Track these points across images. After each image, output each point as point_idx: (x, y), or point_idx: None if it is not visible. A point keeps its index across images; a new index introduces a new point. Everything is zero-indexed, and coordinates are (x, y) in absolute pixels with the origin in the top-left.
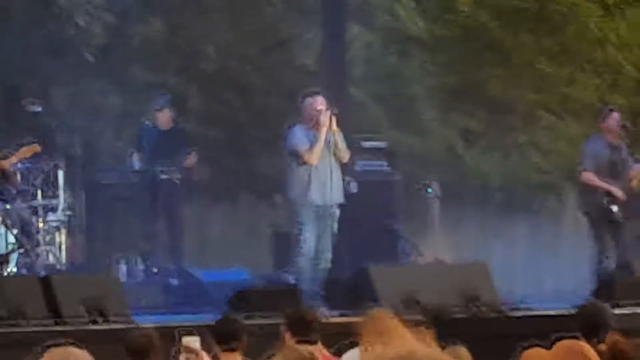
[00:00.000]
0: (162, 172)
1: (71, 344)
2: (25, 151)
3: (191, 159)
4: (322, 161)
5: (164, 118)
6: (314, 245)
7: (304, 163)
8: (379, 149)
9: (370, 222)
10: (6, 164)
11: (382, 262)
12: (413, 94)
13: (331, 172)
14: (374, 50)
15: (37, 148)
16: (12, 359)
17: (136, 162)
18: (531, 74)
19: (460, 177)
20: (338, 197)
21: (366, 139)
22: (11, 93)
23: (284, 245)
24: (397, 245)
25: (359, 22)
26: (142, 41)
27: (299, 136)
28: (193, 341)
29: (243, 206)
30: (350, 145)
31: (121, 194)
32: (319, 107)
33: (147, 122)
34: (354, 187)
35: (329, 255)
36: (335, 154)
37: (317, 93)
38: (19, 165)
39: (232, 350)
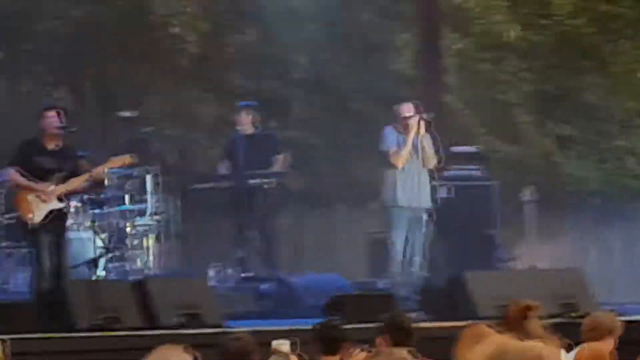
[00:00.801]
0: (253, 178)
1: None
2: (116, 161)
3: (280, 163)
4: (410, 165)
5: (243, 121)
6: (404, 250)
7: (391, 166)
8: (472, 154)
9: (465, 227)
10: (98, 172)
11: (478, 267)
12: (508, 100)
13: (419, 177)
14: (468, 57)
15: (128, 160)
16: None
17: (224, 168)
18: (629, 81)
19: (556, 184)
20: (425, 201)
21: (459, 145)
22: (106, 101)
23: (380, 251)
24: (493, 251)
25: (454, 28)
26: (237, 49)
27: (388, 138)
28: (282, 344)
29: (339, 213)
30: (443, 151)
31: (213, 200)
32: (406, 114)
33: (241, 128)
34: (443, 192)
35: (419, 259)
36: (423, 159)
37: (407, 100)
38: (107, 170)
39: (333, 354)
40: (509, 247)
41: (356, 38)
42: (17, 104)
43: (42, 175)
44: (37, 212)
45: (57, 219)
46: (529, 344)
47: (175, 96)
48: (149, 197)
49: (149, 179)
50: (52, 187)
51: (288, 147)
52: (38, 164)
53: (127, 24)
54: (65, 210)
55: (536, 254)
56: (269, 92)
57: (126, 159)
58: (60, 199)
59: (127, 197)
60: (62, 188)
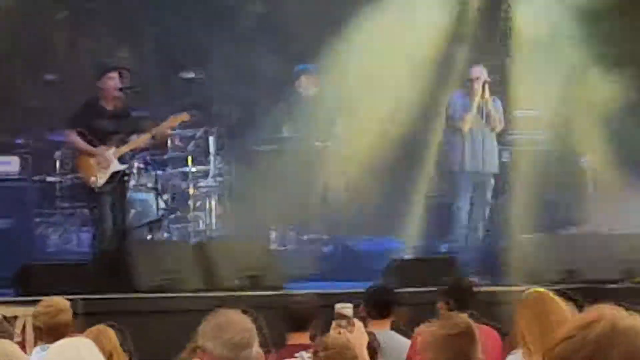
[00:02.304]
0: (315, 141)
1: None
2: (174, 120)
3: (341, 125)
4: (476, 129)
5: (304, 84)
6: (469, 214)
7: (457, 130)
8: (534, 118)
9: (525, 192)
10: (159, 131)
11: (538, 232)
12: (573, 63)
13: (484, 141)
14: (535, 20)
15: (185, 117)
16: (169, 325)
17: (286, 130)
18: None
19: (617, 148)
20: (491, 166)
21: (522, 109)
22: (169, 61)
23: (440, 215)
24: (554, 215)
25: None
26: (300, 10)
27: (455, 103)
28: (346, 308)
29: (400, 175)
30: (506, 115)
31: (275, 162)
32: (475, 76)
33: (302, 91)
34: (506, 157)
35: (483, 224)
36: (488, 123)
37: (476, 63)
38: (170, 131)
39: (383, 318)
40: (569, 211)
41: None
42: (78, 64)
43: (102, 137)
44: (100, 174)
45: (119, 180)
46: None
47: (238, 57)
48: (211, 158)
49: (211, 140)
50: (113, 149)
51: (344, 108)
52: (98, 126)
53: None
54: (127, 171)
55: (597, 219)
56: (331, 54)
57: (183, 116)
58: (122, 161)
59: (189, 159)
60: (124, 149)
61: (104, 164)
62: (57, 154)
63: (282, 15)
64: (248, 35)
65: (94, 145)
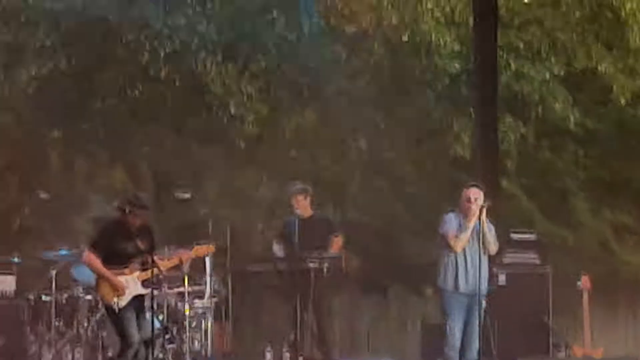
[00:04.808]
0: (309, 260)
1: None
2: (201, 250)
3: (335, 245)
4: (470, 250)
5: (299, 205)
6: (461, 335)
7: (450, 249)
8: (529, 242)
9: (520, 314)
10: (185, 259)
11: (532, 355)
12: (565, 187)
13: (480, 262)
14: (527, 143)
15: (211, 248)
16: None
17: (279, 250)
18: None
19: (612, 271)
20: (484, 287)
21: (517, 232)
22: (163, 180)
23: (434, 336)
24: (547, 338)
25: (513, 113)
26: (294, 131)
27: (450, 222)
28: None
29: (393, 296)
30: (501, 237)
31: (269, 282)
32: (471, 197)
33: (297, 211)
34: (502, 279)
35: (476, 345)
36: (483, 245)
37: (475, 185)
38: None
39: None
40: (563, 334)
41: (413, 122)
42: (72, 182)
43: (124, 260)
44: (122, 296)
45: (139, 299)
46: None
47: (231, 177)
48: (208, 278)
49: (208, 260)
50: (137, 272)
51: (344, 230)
52: (121, 249)
53: (184, 103)
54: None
55: (591, 342)
56: (325, 174)
57: (210, 247)
58: (144, 285)
59: (185, 278)
60: (148, 274)
61: (124, 288)
62: (52, 272)
63: (275, 135)
64: (241, 156)
65: (117, 266)
